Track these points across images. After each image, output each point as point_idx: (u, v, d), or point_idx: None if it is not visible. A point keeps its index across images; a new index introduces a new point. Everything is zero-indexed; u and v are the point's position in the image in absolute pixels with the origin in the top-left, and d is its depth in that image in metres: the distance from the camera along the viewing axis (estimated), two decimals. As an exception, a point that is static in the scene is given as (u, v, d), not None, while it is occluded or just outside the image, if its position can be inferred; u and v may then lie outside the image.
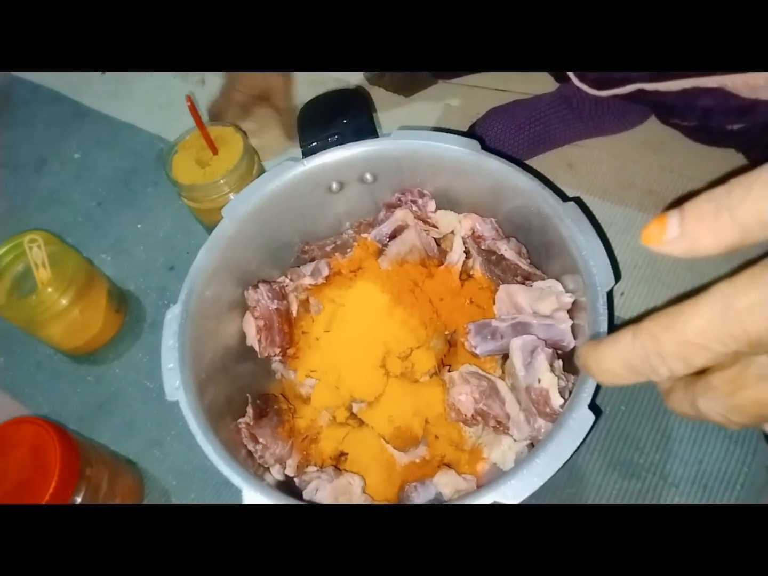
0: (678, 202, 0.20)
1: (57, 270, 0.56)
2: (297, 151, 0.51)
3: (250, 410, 0.46)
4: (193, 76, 0.82)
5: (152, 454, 0.56)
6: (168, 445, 0.56)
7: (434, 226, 0.52)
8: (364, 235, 0.53)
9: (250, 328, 0.49)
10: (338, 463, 0.47)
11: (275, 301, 0.50)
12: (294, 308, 0.52)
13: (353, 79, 0.75)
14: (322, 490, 0.43)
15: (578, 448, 0.35)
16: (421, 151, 0.49)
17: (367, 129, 0.53)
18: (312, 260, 0.54)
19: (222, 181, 0.59)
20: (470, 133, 0.64)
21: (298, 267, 0.54)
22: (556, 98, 0.64)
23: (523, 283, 0.48)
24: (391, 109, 0.72)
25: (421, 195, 0.52)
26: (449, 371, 0.46)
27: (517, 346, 0.43)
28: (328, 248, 0.54)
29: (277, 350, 0.49)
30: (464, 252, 0.51)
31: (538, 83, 0.67)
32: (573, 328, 0.43)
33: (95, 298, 0.60)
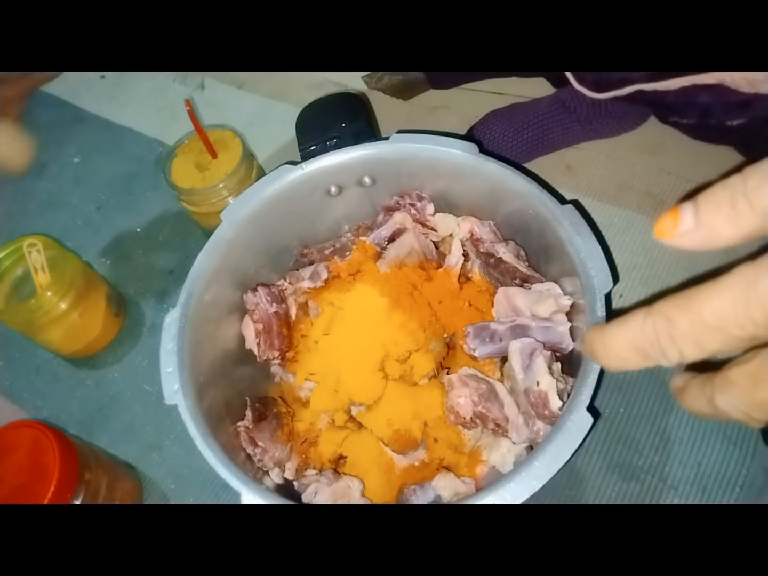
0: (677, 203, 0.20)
1: (56, 274, 0.57)
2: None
3: (249, 413, 0.46)
4: (192, 80, 0.82)
5: (151, 457, 0.55)
6: (167, 449, 0.56)
7: (433, 229, 0.53)
8: (362, 239, 0.53)
9: (249, 331, 0.49)
10: (337, 466, 0.47)
11: (274, 305, 0.50)
12: (293, 311, 0.52)
13: (352, 82, 0.75)
14: (321, 494, 0.43)
15: (577, 450, 0.34)
16: (420, 154, 0.49)
17: (365, 132, 0.53)
18: (311, 263, 0.54)
19: (221, 185, 0.59)
20: (468, 137, 0.64)
21: (297, 270, 0.54)
22: (553, 102, 0.64)
23: (522, 286, 0.48)
24: (389, 112, 0.72)
25: (420, 198, 0.52)
26: (448, 374, 0.46)
27: (515, 348, 0.43)
28: (326, 251, 0.55)
29: (276, 353, 0.49)
30: (463, 255, 0.51)
31: (536, 86, 0.68)
32: (571, 330, 0.43)
33: (94, 302, 0.60)
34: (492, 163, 0.47)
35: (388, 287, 0.49)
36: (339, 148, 0.50)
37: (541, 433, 0.40)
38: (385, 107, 0.73)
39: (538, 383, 0.41)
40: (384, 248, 0.52)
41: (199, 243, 0.48)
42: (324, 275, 0.52)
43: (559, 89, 0.64)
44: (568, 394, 0.40)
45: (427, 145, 0.49)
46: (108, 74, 0.86)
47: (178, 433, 0.56)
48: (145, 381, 0.60)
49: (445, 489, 0.43)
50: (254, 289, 0.50)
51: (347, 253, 0.54)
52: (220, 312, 0.49)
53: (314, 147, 0.51)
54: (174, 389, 0.41)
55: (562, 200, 0.44)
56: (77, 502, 0.45)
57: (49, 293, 0.55)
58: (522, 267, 0.48)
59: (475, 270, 0.51)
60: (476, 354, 0.45)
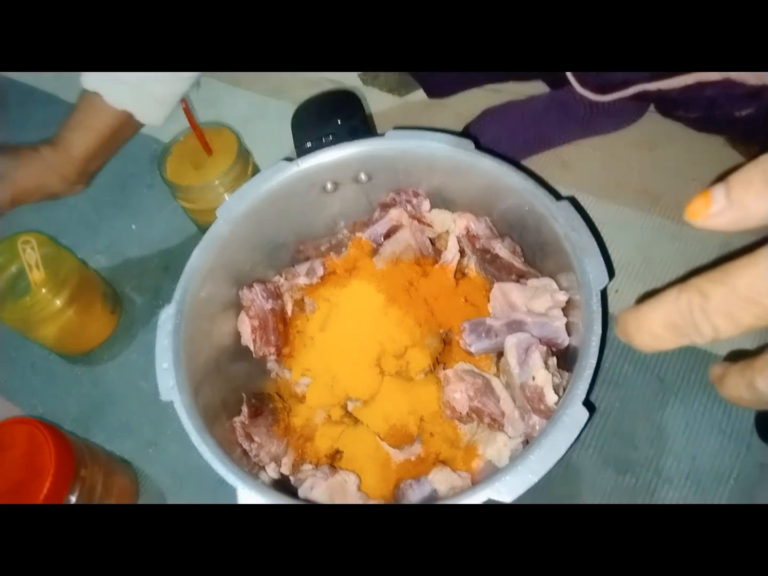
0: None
1: (51, 271, 0.56)
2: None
3: (245, 409, 0.46)
4: (188, 78, 0.82)
5: (147, 454, 0.55)
6: (163, 445, 0.56)
7: (429, 225, 0.53)
8: (358, 235, 0.53)
9: (245, 327, 0.49)
10: (333, 461, 0.47)
11: (270, 301, 0.50)
12: (289, 308, 0.52)
13: (348, 80, 0.75)
14: (318, 489, 0.43)
15: (572, 444, 0.35)
16: (416, 151, 0.49)
17: (361, 129, 0.53)
18: (307, 260, 0.54)
19: (216, 182, 0.59)
20: (464, 134, 0.64)
21: (293, 267, 0.54)
22: (550, 100, 0.64)
23: (518, 282, 0.48)
24: (385, 109, 0.72)
25: (416, 194, 0.52)
26: (444, 369, 0.46)
27: (511, 343, 0.43)
28: (323, 248, 0.55)
29: (272, 349, 0.49)
30: (459, 251, 0.51)
31: (532, 84, 0.68)
32: (567, 325, 0.43)
33: (90, 300, 0.60)
34: (488, 159, 0.47)
35: (384, 283, 0.49)
36: (335, 144, 0.50)
37: (537, 427, 0.41)
38: (381, 104, 0.73)
39: (533, 378, 0.41)
40: (380, 244, 0.52)
41: (195, 240, 0.48)
42: (320, 271, 0.52)
43: (555, 89, 0.64)
44: (564, 389, 0.40)
45: (423, 141, 0.49)
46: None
47: (175, 429, 0.56)
48: (141, 378, 0.60)
49: (442, 483, 0.43)
50: (250, 286, 0.50)
51: (343, 250, 0.54)
52: (216, 308, 0.48)
53: (310, 144, 0.51)
54: (170, 386, 0.41)
55: (558, 196, 0.45)
56: (73, 499, 0.45)
57: (43, 290, 0.55)
58: (518, 263, 0.48)
59: (471, 266, 0.51)
60: (472, 349, 0.45)
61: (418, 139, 0.49)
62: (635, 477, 0.47)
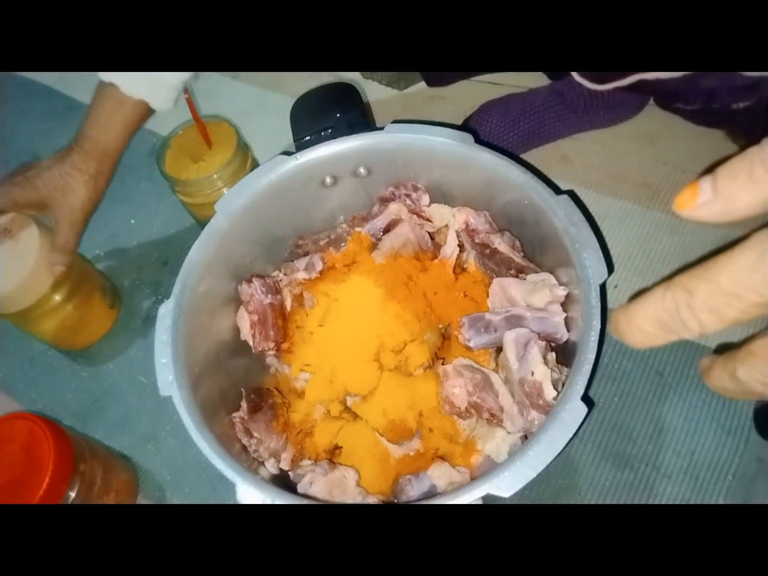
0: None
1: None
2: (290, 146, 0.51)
3: (244, 404, 0.46)
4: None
5: (147, 449, 0.56)
6: (162, 440, 0.56)
7: (428, 219, 0.52)
8: (358, 229, 0.53)
9: (244, 322, 0.49)
10: (333, 456, 0.47)
11: (269, 296, 0.50)
12: (288, 303, 0.52)
13: (347, 73, 0.75)
14: (317, 484, 0.43)
15: (571, 439, 0.35)
16: (415, 144, 0.49)
17: (360, 123, 0.53)
18: (306, 255, 0.54)
19: (215, 176, 0.59)
20: (464, 127, 0.64)
21: (292, 261, 0.54)
22: (550, 93, 0.64)
23: (517, 277, 0.48)
24: (384, 102, 0.72)
25: (415, 189, 0.52)
26: (443, 364, 0.46)
27: (510, 338, 0.43)
28: (321, 242, 0.54)
29: (272, 345, 0.49)
30: (458, 245, 0.51)
31: (532, 77, 0.67)
32: (566, 320, 0.43)
33: (89, 294, 0.60)
34: (487, 153, 0.47)
35: (383, 278, 0.49)
36: (334, 138, 0.50)
37: (536, 422, 0.41)
38: (380, 97, 0.72)
39: (532, 373, 0.41)
40: (379, 239, 0.51)
41: (194, 234, 0.48)
42: (319, 266, 0.52)
43: (555, 80, 0.64)
44: (563, 384, 0.40)
45: (422, 135, 0.49)
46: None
47: (174, 424, 0.56)
48: (140, 372, 0.60)
49: (440, 478, 0.43)
50: (249, 280, 0.50)
51: (342, 244, 0.54)
52: (215, 303, 0.48)
53: (309, 137, 0.51)
54: (169, 380, 0.41)
55: (558, 191, 0.44)
56: (72, 494, 0.45)
57: (42, 285, 0.55)
58: (517, 257, 0.48)
59: (471, 261, 0.51)
60: (471, 344, 0.45)
61: (418, 133, 0.49)
62: (634, 472, 0.47)
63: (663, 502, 0.46)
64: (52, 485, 0.43)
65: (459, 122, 0.66)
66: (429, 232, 0.53)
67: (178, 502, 0.53)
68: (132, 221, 0.70)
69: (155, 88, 0.59)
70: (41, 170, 0.59)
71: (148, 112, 0.61)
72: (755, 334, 0.23)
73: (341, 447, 0.47)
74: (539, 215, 0.45)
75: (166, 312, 0.44)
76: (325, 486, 0.43)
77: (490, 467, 0.41)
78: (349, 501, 0.43)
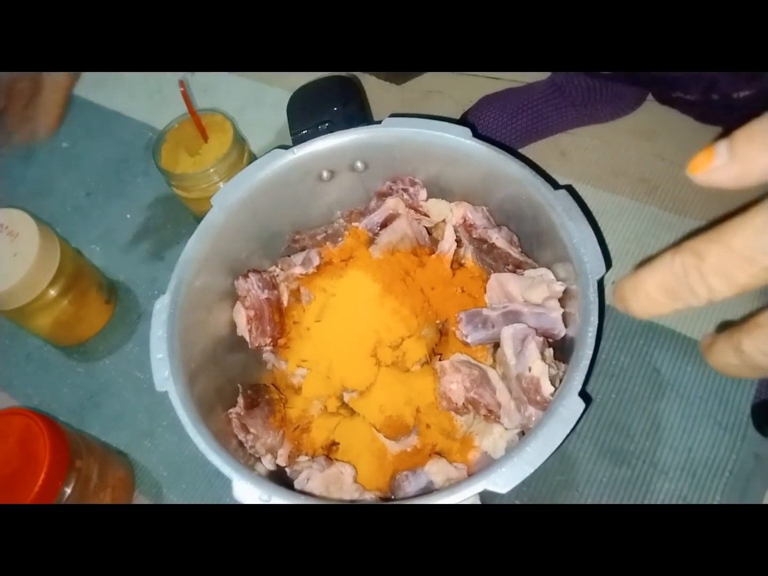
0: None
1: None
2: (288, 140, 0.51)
3: (240, 400, 0.46)
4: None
5: (143, 445, 0.55)
6: (159, 436, 0.55)
7: (425, 214, 0.52)
8: (355, 224, 0.53)
9: (241, 318, 0.49)
10: (330, 452, 0.47)
11: (266, 291, 0.49)
12: (285, 298, 0.51)
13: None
14: (314, 480, 0.43)
15: (568, 435, 0.35)
16: (413, 139, 0.49)
17: (358, 116, 0.53)
18: (303, 249, 0.54)
19: (212, 170, 0.59)
20: (462, 122, 0.64)
21: (289, 256, 0.54)
22: (548, 87, 0.63)
23: (515, 272, 0.48)
24: (382, 96, 0.72)
25: (413, 183, 0.52)
26: (440, 360, 0.46)
27: (508, 334, 0.43)
28: (318, 237, 0.54)
29: (268, 340, 0.49)
30: (456, 241, 0.50)
31: (531, 72, 0.67)
32: (564, 316, 0.43)
33: (84, 289, 0.59)
34: (485, 147, 0.46)
35: (381, 273, 0.48)
36: (331, 132, 0.49)
37: (533, 418, 0.40)
38: (378, 91, 0.72)
39: (530, 369, 0.41)
40: (376, 234, 0.51)
41: (190, 228, 0.47)
42: (316, 261, 0.52)
43: (553, 74, 0.64)
44: (560, 380, 0.40)
45: (420, 129, 0.48)
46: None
47: (170, 420, 0.56)
48: (137, 368, 0.59)
49: (438, 475, 0.43)
50: (245, 276, 0.50)
51: (339, 239, 0.54)
52: (211, 298, 0.48)
53: (306, 131, 0.51)
54: (164, 376, 0.41)
55: (556, 185, 0.44)
56: (68, 490, 0.45)
57: (38, 280, 0.54)
58: (515, 253, 0.48)
59: (468, 256, 0.50)
60: (469, 340, 0.45)
61: (416, 127, 0.48)
62: (631, 468, 0.47)
63: (660, 499, 0.46)
64: (48, 482, 0.43)
65: (457, 116, 0.66)
66: (426, 227, 0.52)
67: (175, 499, 0.52)
68: (128, 216, 0.70)
69: None
70: None
71: None
72: (759, 308, 0.23)
73: (338, 443, 0.47)
74: (537, 210, 0.44)
75: (162, 307, 0.43)
76: (322, 482, 0.43)
77: (488, 463, 0.41)
78: (346, 497, 0.43)
